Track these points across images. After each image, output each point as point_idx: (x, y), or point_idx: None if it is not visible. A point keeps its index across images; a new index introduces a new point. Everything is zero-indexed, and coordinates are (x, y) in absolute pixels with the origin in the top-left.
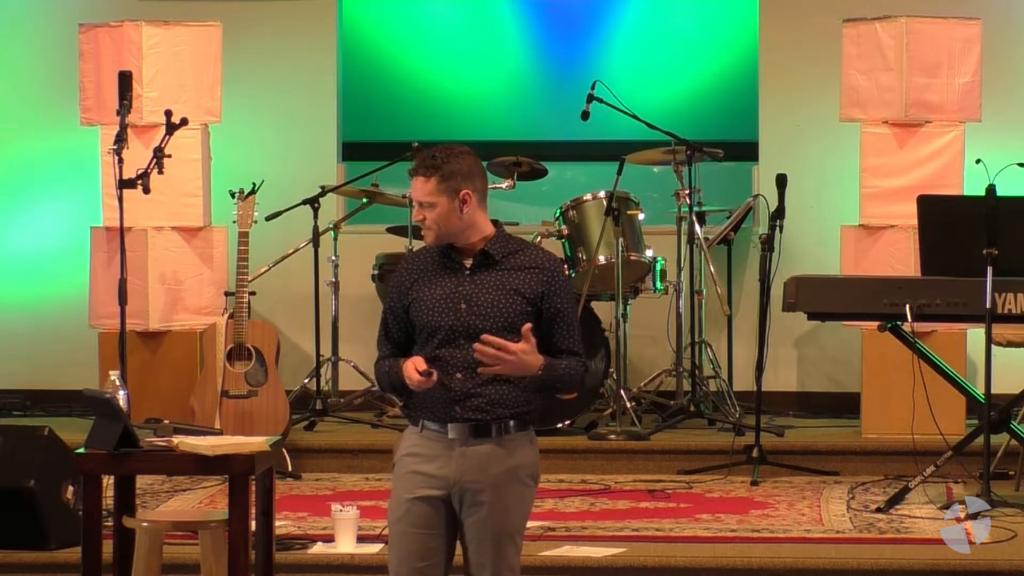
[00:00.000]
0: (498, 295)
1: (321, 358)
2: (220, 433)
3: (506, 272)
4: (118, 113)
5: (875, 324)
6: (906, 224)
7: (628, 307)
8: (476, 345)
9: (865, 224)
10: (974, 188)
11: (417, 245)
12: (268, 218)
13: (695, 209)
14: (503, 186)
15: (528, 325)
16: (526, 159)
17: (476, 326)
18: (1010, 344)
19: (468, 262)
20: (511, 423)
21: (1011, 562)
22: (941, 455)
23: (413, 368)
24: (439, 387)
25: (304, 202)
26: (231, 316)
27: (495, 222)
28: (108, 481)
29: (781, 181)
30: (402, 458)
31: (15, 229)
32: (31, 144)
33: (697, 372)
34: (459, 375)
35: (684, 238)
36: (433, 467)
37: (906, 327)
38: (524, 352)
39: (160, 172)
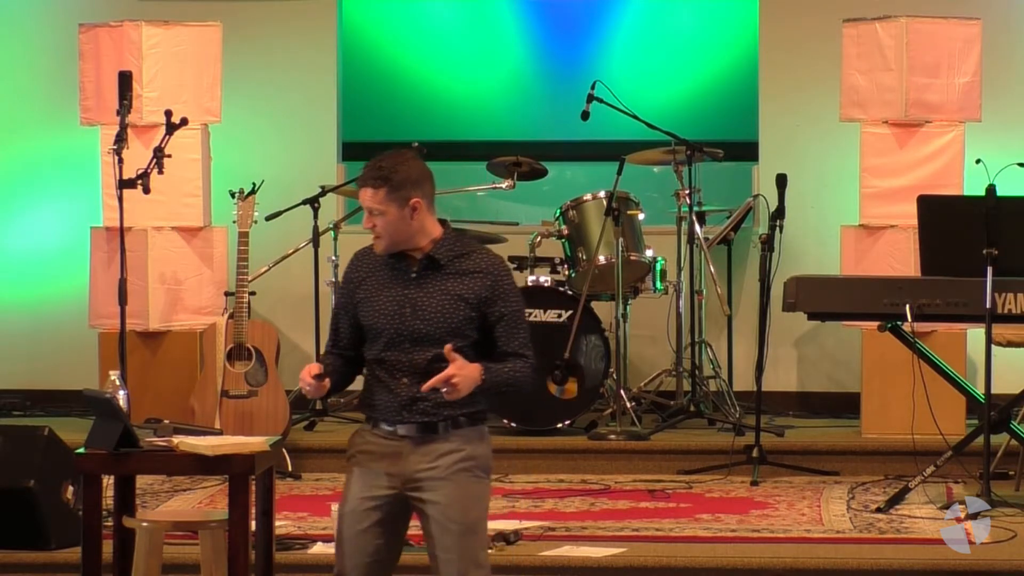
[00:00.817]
0: (442, 300)
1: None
2: (220, 433)
3: (451, 277)
4: (118, 113)
5: (875, 324)
6: (906, 224)
7: (628, 307)
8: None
9: (865, 224)
10: (974, 188)
11: None
12: (268, 218)
13: (695, 209)
14: (503, 186)
15: (448, 346)
16: (526, 159)
17: (420, 331)
18: (1010, 344)
19: (415, 266)
20: (461, 419)
21: (1011, 562)
22: (941, 455)
23: (307, 372)
24: (387, 391)
25: (304, 202)
26: (231, 316)
27: (443, 221)
28: (108, 481)
29: (781, 181)
30: (355, 454)
31: (15, 229)
32: (31, 144)
33: (697, 372)
34: (405, 379)
35: (684, 238)
36: (385, 464)
37: (906, 327)
38: (460, 369)
39: (160, 172)
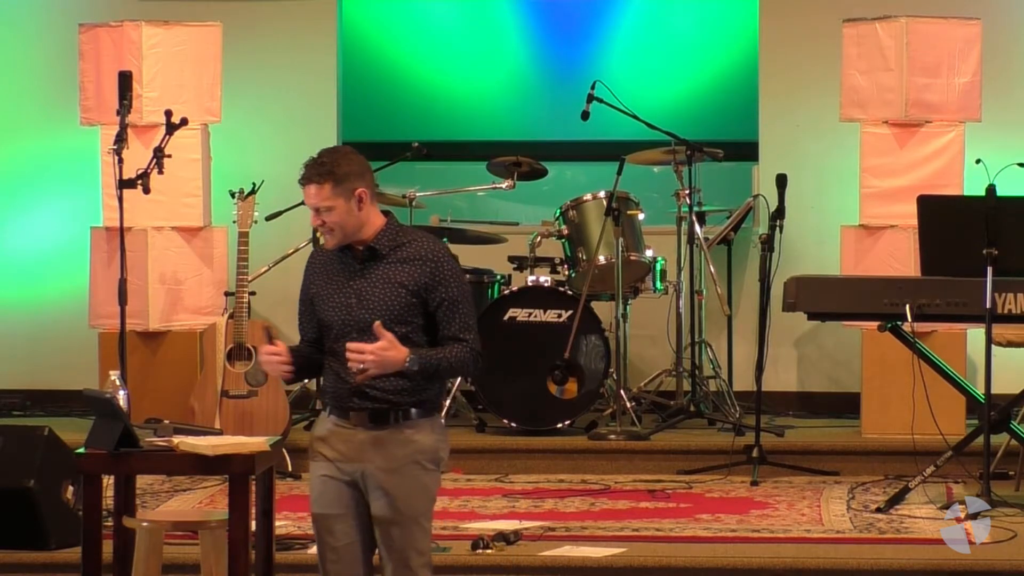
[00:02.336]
0: (384, 289)
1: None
2: (220, 433)
3: (392, 265)
4: (118, 113)
5: (875, 324)
6: (906, 224)
7: (628, 307)
8: (347, 354)
9: (865, 224)
10: (974, 188)
11: None
12: (268, 218)
13: (695, 209)
14: (503, 186)
15: (378, 323)
16: (526, 159)
17: (365, 319)
18: (1010, 344)
19: (359, 258)
20: (412, 410)
21: (1011, 562)
22: (941, 455)
23: (267, 348)
24: (338, 380)
25: (304, 202)
26: (231, 316)
27: (387, 213)
28: (108, 481)
29: (781, 181)
30: (312, 442)
31: (15, 229)
32: (31, 144)
33: (697, 372)
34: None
35: (684, 238)
36: (336, 453)
37: (906, 327)
38: (383, 349)
39: (160, 172)
